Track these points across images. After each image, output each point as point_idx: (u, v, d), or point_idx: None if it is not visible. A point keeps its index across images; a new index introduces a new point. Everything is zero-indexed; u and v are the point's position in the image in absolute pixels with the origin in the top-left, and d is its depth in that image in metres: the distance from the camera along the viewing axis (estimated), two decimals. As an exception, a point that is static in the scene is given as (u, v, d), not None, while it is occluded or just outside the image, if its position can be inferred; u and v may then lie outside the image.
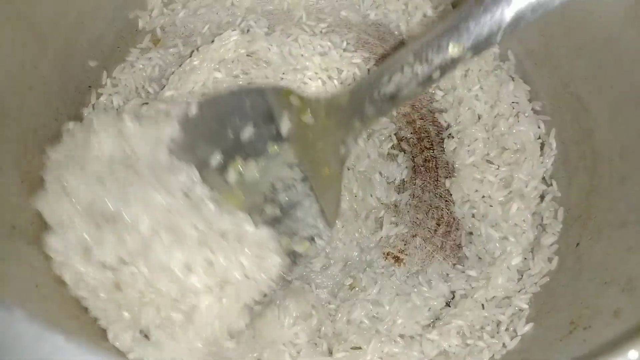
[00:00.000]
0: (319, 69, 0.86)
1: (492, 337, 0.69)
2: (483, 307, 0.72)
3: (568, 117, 0.78)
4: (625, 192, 0.63)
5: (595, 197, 0.70)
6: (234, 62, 0.86)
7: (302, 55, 0.87)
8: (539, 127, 0.83)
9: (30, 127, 0.68)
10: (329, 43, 0.90)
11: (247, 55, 0.86)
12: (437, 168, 0.87)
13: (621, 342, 0.37)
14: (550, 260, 0.73)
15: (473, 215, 0.81)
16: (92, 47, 0.80)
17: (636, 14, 0.64)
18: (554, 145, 0.80)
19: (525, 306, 0.71)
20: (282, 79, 0.86)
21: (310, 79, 0.86)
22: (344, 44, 0.92)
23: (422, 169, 0.87)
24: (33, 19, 0.66)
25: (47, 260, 0.62)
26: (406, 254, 0.81)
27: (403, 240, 0.82)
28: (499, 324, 0.71)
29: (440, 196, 0.85)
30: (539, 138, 0.83)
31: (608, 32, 0.68)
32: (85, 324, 0.59)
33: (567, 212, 0.75)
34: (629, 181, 0.63)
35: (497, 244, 0.78)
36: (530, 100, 0.85)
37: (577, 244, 0.69)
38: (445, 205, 0.84)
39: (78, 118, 0.80)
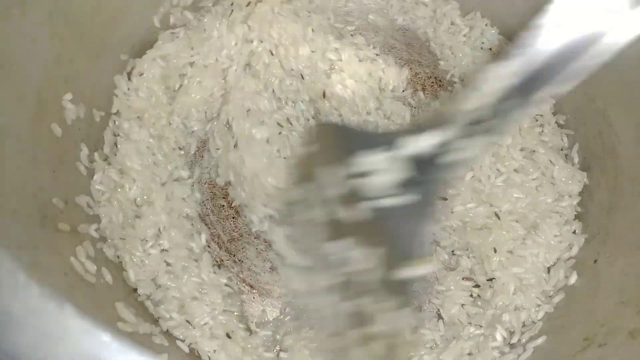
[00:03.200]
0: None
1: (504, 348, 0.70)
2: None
3: (592, 132, 0.78)
4: (647, 213, 0.64)
5: (615, 215, 0.70)
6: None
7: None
8: (562, 140, 0.83)
9: (64, 118, 0.70)
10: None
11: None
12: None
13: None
14: (567, 276, 0.73)
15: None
16: (125, 42, 0.82)
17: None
18: (577, 159, 0.81)
19: (539, 319, 0.72)
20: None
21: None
22: (371, 47, 0.93)
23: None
24: (71, 14, 0.68)
25: (74, 248, 0.65)
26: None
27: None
28: (511, 334, 0.72)
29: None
30: (562, 150, 0.83)
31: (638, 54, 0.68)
32: (111, 316, 0.61)
33: (586, 227, 0.75)
34: (651, 202, 0.64)
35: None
36: (554, 114, 0.85)
37: (595, 261, 0.69)
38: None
39: (109, 110, 0.82)
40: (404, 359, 0.61)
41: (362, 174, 0.62)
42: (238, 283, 0.84)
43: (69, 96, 0.71)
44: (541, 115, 0.85)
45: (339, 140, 0.71)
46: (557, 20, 0.55)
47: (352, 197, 0.62)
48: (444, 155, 0.59)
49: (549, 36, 0.55)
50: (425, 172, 0.59)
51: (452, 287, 0.76)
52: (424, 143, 0.60)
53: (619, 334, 0.55)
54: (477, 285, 0.77)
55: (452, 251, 0.80)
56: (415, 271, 0.56)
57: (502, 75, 0.56)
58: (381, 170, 0.61)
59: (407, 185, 0.60)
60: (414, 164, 0.60)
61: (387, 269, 0.56)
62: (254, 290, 0.84)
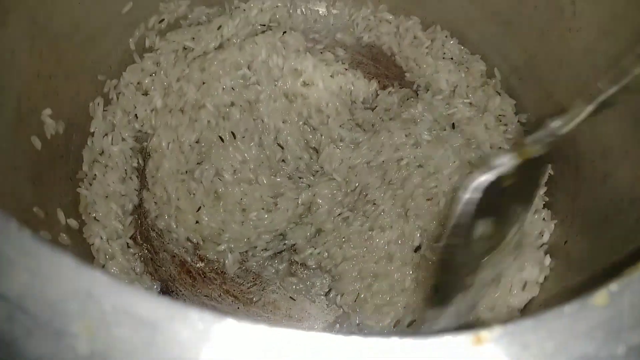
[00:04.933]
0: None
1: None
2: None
3: (552, 126, 0.82)
4: (607, 190, 0.67)
5: (579, 198, 0.74)
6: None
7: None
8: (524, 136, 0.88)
9: (43, 132, 0.72)
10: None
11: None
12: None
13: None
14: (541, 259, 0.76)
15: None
16: (102, 62, 0.84)
17: (609, 27, 0.70)
18: (540, 153, 0.85)
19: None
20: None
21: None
22: (339, 63, 0.97)
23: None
24: (51, 31, 0.71)
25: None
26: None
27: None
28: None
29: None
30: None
31: (585, 44, 0.73)
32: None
33: (554, 214, 0.79)
34: (610, 179, 0.67)
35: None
36: (516, 113, 0.90)
37: (565, 242, 0.72)
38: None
39: (87, 129, 0.84)
40: None
41: None
42: (222, 294, 0.85)
43: (48, 111, 0.73)
44: (504, 116, 0.89)
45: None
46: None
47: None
48: None
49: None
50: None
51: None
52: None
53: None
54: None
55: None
56: None
57: None
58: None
59: None
60: None
61: None
62: (238, 301, 0.85)
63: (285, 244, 0.86)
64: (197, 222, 0.85)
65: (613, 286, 0.31)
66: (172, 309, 0.28)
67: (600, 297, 0.30)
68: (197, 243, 0.85)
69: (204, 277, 0.86)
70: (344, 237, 0.82)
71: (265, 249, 0.86)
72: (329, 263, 0.82)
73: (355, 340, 0.29)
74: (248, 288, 0.85)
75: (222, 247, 0.84)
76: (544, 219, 0.79)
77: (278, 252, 0.86)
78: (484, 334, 0.28)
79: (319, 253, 0.82)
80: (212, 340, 0.28)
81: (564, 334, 0.29)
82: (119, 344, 0.28)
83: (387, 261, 0.80)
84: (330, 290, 0.83)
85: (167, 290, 0.84)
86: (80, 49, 0.77)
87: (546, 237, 0.77)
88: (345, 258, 0.81)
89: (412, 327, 0.78)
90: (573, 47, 0.76)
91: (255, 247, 0.85)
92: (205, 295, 0.85)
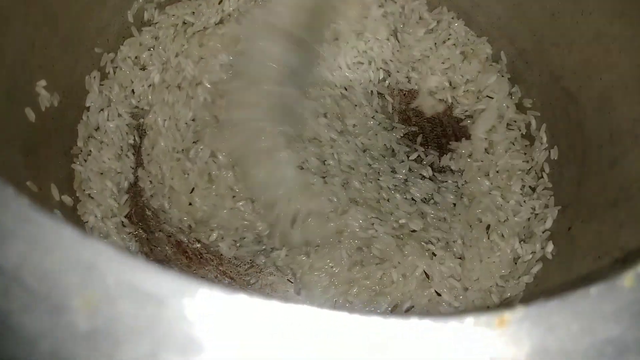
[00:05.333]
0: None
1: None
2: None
3: (558, 111, 0.81)
4: (615, 175, 0.66)
5: (585, 184, 0.72)
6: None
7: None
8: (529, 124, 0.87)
9: (38, 104, 0.69)
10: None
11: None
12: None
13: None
14: (543, 246, 0.75)
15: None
16: (99, 35, 0.81)
17: (622, 8, 0.68)
18: (545, 139, 0.83)
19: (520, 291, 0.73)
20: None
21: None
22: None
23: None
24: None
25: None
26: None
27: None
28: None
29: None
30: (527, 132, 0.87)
31: (596, 27, 0.72)
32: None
33: (558, 200, 0.78)
34: (619, 164, 0.66)
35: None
36: (521, 98, 0.88)
37: (569, 228, 0.71)
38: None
39: (82, 104, 0.81)
40: None
41: None
42: (218, 276, 0.83)
43: (42, 82, 0.70)
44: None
45: None
46: None
47: None
48: None
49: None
50: None
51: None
52: None
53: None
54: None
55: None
56: None
57: None
58: None
59: None
60: None
61: None
62: (235, 283, 0.83)
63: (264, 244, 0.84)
64: (190, 203, 0.83)
65: (641, 268, 0.29)
66: (181, 284, 0.27)
67: (628, 278, 0.29)
68: (190, 226, 0.83)
69: (201, 257, 0.84)
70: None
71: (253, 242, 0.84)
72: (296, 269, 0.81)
73: (373, 320, 0.27)
74: (245, 270, 0.83)
75: (214, 235, 0.82)
76: (546, 205, 0.78)
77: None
78: (508, 315, 0.27)
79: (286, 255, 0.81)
80: (221, 316, 0.26)
81: (590, 315, 0.27)
82: (123, 319, 0.27)
83: (360, 267, 0.79)
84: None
85: (162, 271, 0.82)
86: (76, 18, 0.75)
87: (549, 224, 0.77)
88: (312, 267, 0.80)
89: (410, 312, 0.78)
90: (584, 31, 0.74)
91: (244, 238, 0.83)
92: (202, 277, 0.83)
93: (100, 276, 0.27)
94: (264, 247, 0.83)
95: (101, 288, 0.27)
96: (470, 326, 0.26)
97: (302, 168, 0.85)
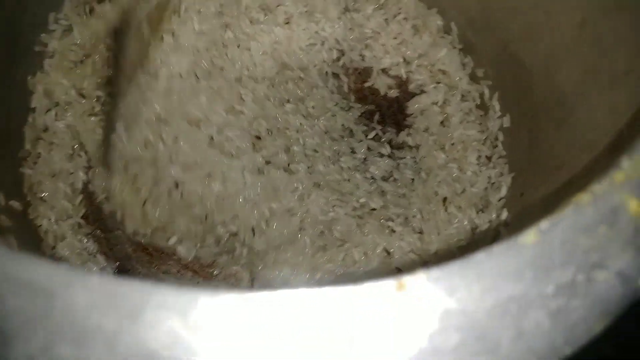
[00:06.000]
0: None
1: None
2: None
3: (509, 78, 0.81)
4: (561, 136, 0.66)
5: (535, 149, 0.73)
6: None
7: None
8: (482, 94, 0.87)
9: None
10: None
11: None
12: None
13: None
14: (498, 214, 0.75)
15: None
16: (37, 32, 0.80)
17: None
18: (498, 107, 0.83)
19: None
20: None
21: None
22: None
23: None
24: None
25: None
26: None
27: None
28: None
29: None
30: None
31: (537, -10, 0.72)
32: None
33: (512, 168, 0.78)
34: (565, 125, 0.66)
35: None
36: (473, 67, 0.88)
37: (522, 194, 0.72)
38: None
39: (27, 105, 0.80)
40: None
41: None
42: (181, 270, 0.82)
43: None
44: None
45: None
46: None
47: None
48: None
49: None
50: None
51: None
52: None
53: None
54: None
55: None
56: None
57: None
58: None
59: None
60: None
61: None
62: (198, 276, 0.83)
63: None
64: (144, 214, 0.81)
65: (544, 224, 0.29)
66: (69, 275, 0.26)
67: (529, 235, 0.28)
68: (145, 234, 0.81)
69: (162, 253, 0.83)
70: None
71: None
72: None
73: (275, 294, 0.27)
74: (208, 263, 0.83)
75: (173, 239, 0.80)
76: (501, 174, 0.79)
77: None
78: (407, 278, 0.26)
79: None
80: (113, 304, 0.26)
81: (491, 275, 0.27)
82: (13, 314, 0.26)
83: (322, 252, 0.79)
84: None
85: (123, 269, 0.81)
86: (10, 15, 0.72)
87: (504, 192, 0.77)
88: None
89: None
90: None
91: (204, 241, 0.81)
92: (164, 272, 0.82)
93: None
94: (225, 249, 0.82)
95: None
96: (371, 291, 0.26)
97: (266, 164, 0.83)
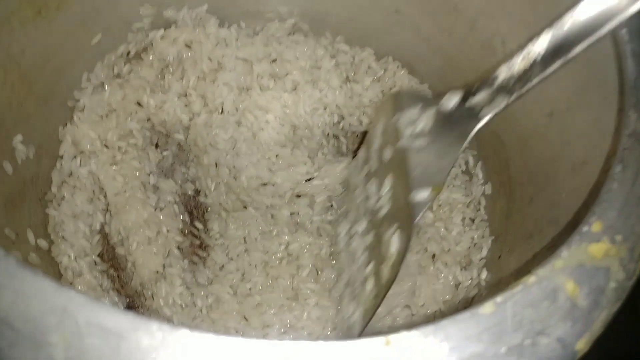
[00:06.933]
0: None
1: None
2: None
3: (490, 151, 0.91)
4: (532, 211, 0.76)
5: (511, 218, 0.82)
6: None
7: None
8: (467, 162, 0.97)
9: (15, 157, 0.76)
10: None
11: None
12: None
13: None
14: (479, 273, 0.84)
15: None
16: (71, 90, 0.89)
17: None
18: (481, 175, 0.93)
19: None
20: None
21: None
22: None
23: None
24: (23, 64, 0.75)
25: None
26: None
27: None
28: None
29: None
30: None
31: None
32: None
33: (492, 231, 0.87)
34: (535, 201, 0.76)
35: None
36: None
37: (499, 257, 0.80)
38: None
39: (56, 153, 0.88)
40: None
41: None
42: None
43: (19, 137, 0.77)
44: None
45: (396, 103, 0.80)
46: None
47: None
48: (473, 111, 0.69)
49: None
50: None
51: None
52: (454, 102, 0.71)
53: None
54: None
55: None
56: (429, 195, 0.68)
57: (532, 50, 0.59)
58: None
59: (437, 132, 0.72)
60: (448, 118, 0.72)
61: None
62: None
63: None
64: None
65: (499, 298, 0.38)
66: (135, 321, 0.34)
67: (487, 306, 0.37)
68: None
69: (169, 292, 0.90)
70: None
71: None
72: None
73: (271, 344, 0.35)
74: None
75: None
76: (483, 236, 0.87)
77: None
78: (392, 336, 0.34)
79: None
80: (169, 347, 0.34)
81: (457, 337, 0.35)
82: (91, 351, 0.34)
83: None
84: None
85: (132, 305, 0.88)
86: (50, 78, 0.82)
87: (484, 253, 0.86)
88: None
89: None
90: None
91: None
92: (170, 309, 0.89)
93: (73, 317, 0.34)
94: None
95: (73, 327, 0.34)
96: (363, 346, 0.34)
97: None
